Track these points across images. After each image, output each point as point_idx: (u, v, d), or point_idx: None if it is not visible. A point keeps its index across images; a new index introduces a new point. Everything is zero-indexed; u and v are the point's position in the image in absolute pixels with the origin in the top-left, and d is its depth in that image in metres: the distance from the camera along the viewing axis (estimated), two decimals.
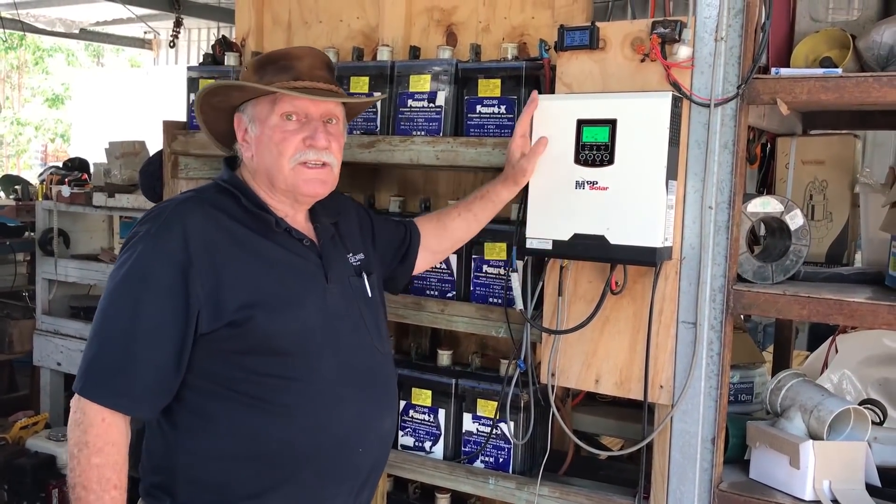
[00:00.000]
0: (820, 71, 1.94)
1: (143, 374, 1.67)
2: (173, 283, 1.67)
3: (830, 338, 3.34)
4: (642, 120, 1.84)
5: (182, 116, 2.81)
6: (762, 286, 2.00)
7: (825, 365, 3.34)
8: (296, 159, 1.80)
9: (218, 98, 1.87)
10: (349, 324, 1.87)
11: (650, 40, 1.88)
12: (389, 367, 1.99)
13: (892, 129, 2.86)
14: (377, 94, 2.31)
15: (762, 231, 2.24)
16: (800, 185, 2.47)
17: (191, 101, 2.73)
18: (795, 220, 2.09)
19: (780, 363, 2.84)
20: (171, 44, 8.55)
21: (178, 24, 8.45)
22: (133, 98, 11.45)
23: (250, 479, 1.74)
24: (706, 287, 1.91)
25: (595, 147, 1.89)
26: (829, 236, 2.44)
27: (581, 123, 1.91)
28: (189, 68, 2.75)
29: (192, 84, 2.72)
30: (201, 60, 2.85)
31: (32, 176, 9.44)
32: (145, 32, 11.20)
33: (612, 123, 1.87)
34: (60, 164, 6.12)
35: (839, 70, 1.93)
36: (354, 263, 1.97)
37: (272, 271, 1.78)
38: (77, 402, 1.67)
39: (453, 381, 2.31)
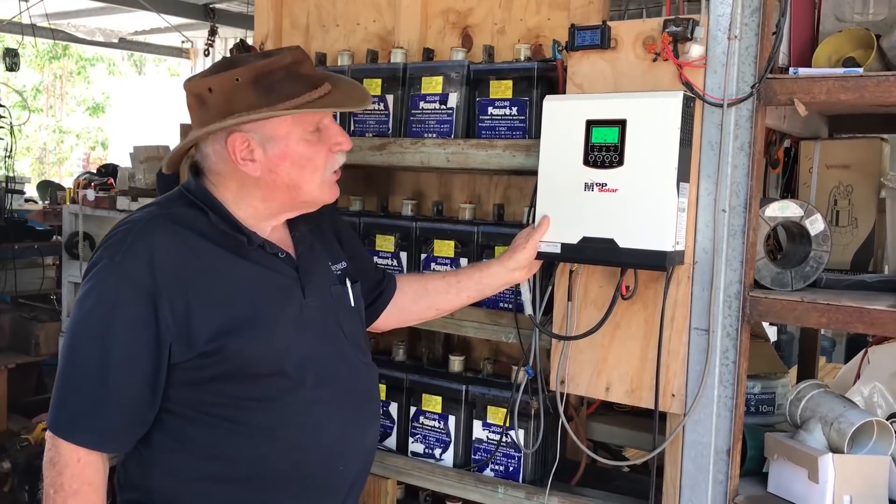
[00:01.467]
0: (839, 71, 1.88)
1: (117, 410, 1.61)
2: (142, 313, 1.59)
3: (864, 349, 3.23)
4: (652, 120, 1.79)
5: None
6: (780, 293, 1.93)
7: (857, 377, 3.23)
8: (329, 169, 1.75)
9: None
10: (328, 338, 1.79)
11: (661, 39, 1.83)
12: (372, 379, 1.92)
13: None
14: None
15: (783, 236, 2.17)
16: (824, 190, 2.40)
17: None
18: (816, 225, 2.02)
19: (805, 374, 2.75)
20: (207, 52, 8.65)
21: (212, 32, 8.56)
22: (170, 106, 11.61)
23: (229, 502, 1.71)
24: (719, 293, 1.85)
25: (604, 148, 1.85)
26: (855, 243, 2.36)
27: (590, 124, 1.87)
28: None
29: None
30: None
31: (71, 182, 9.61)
32: (182, 42, 11.35)
33: (621, 124, 1.83)
34: (95, 171, 6.22)
35: (860, 70, 1.87)
36: (336, 272, 1.89)
37: (244, 293, 1.69)
38: (51, 439, 1.62)
39: (464, 387, 2.27)
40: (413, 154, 2.25)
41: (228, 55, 2.88)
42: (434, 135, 2.26)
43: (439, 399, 2.30)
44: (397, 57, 2.44)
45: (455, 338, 2.56)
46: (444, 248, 2.31)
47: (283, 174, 1.73)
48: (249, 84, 1.63)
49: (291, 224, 1.86)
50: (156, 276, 1.60)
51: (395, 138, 2.30)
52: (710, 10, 1.83)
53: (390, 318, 2.10)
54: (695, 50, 1.81)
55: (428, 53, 2.45)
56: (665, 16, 1.94)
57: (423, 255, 2.35)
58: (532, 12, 2.48)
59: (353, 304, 1.90)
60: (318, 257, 1.89)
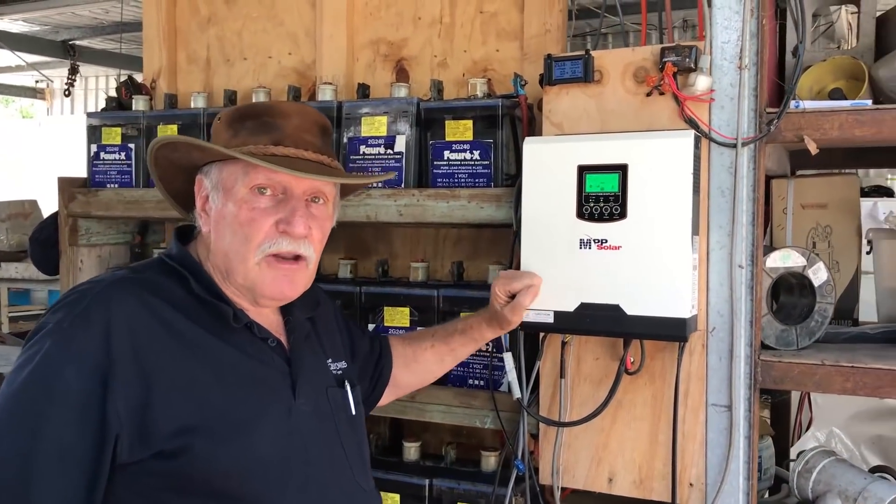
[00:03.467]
0: (847, 103, 1.68)
1: None
2: (87, 396, 1.26)
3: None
4: (660, 164, 1.53)
5: (82, 172, 2.36)
6: (791, 354, 1.70)
7: (799, 420, 3.06)
8: (264, 249, 1.39)
9: (177, 154, 1.47)
10: (323, 453, 1.43)
11: (662, 69, 1.57)
12: None
13: (888, 168, 2.68)
14: (384, 174, 1.92)
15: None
16: (801, 231, 2.21)
17: (92, 154, 2.30)
18: (819, 274, 1.81)
19: (780, 432, 2.54)
20: (67, 92, 7.97)
21: (73, 71, 7.91)
22: (24, 152, 10.66)
23: None
24: (740, 362, 1.59)
25: (602, 198, 1.56)
26: (838, 288, 2.17)
27: (583, 170, 1.58)
28: (89, 115, 2.33)
29: (93, 133, 2.30)
30: (104, 105, 2.42)
31: None
32: (37, 81, 10.51)
33: (622, 169, 1.55)
34: None
35: (868, 102, 1.68)
36: (336, 371, 1.55)
37: (222, 383, 1.35)
38: None
39: (426, 481, 1.92)
40: (356, 207, 1.90)
41: (113, 94, 2.47)
42: (380, 184, 1.92)
43: (397, 498, 1.93)
44: (326, 94, 2.09)
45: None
46: (398, 316, 1.96)
47: (219, 237, 1.43)
48: (225, 123, 1.47)
49: (285, 308, 1.52)
50: (111, 348, 1.29)
51: None
52: (714, 36, 1.59)
53: (385, 399, 1.77)
54: (701, 82, 1.56)
55: (363, 90, 2.12)
56: (642, 44, 1.70)
57: (371, 326, 1.99)
58: (477, 43, 2.19)
59: (353, 412, 1.53)
60: (315, 351, 1.54)
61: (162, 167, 1.51)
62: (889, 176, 6.10)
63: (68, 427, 1.26)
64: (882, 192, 5.99)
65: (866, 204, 5.09)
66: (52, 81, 10.32)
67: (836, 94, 1.81)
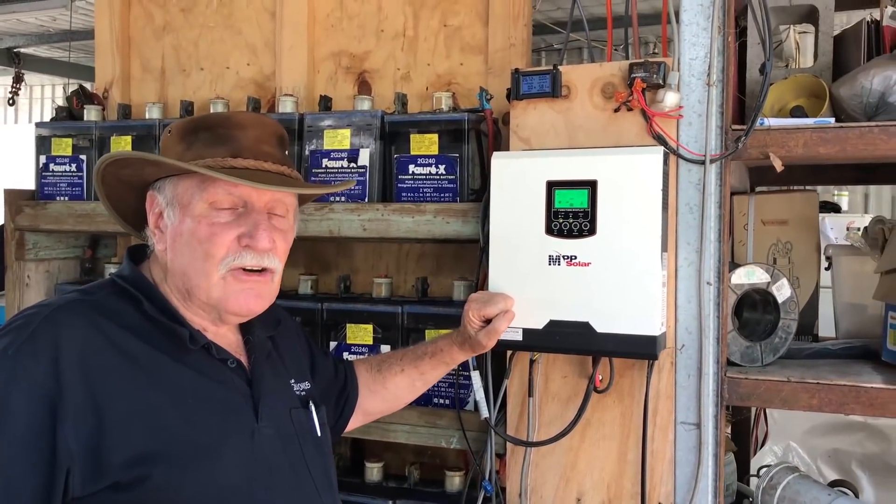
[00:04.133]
0: (811, 121, 1.70)
1: None
2: (35, 426, 1.19)
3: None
4: (630, 180, 1.52)
5: (29, 184, 2.27)
6: (756, 371, 1.70)
7: (755, 435, 3.09)
8: (227, 264, 1.33)
9: (127, 171, 1.39)
10: (288, 477, 1.37)
11: (631, 85, 1.56)
12: None
13: (846, 184, 2.72)
14: (343, 182, 1.87)
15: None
16: (762, 247, 2.22)
17: (41, 165, 2.22)
18: (783, 291, 1.82)
19: (741, 446, 2.55)
20: (11, 101, 7.72)
21: (17, 79, 7.67)
22: None
23: None
24: (709, 379, 1.59)
25: (571, 214, 1.55)
26: (799, 304, 2.19)
27: (552, 186, 1.56)
28: (38, 125, 2.24)
29: (43, 143, 2.22)
30: (53, 115, 2.34)
31: None
32: None
33: (591, 185, 1.54)
34: None
35: (831, 120, 1.70)
36: (299, 392, 1.49)
37: (180, 407, 1.28)
38: None
39: (389, 502, 1.88)
40: (319, 222, 1.86)
41: (62, 103, 2.39)
42: (343, 198, 1.88)
43: None
44: (287, 106, 2.04)
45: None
46: (360, 333, 1.92)
47: (176, 255, 1.36)
48: (177, 136, 1.40)
49: (245, 327, 1.45)
50: (60, 376, 1.21)
51: None
52: (682, 52, 1.59)
53: (351, 423, 1.71)
54: (670, 98, 1.56)
55: (325, 102, 2.08)
56: (607, 60, 1.69)
57: (333, 343, 1.94)
58: (441, 56, 2.17)
59: (319, 434, 1.47)
60: (277, 371, 1.47)
61: (109, 185, 1.43)
62: (836, 192, 6.24)
63: (16, 461, 1.18)
64: (829, 207, 6.12)
65: None
66: None
67: (797, 112, 1.83)
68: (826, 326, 2.20)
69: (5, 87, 8.20)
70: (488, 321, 1.56)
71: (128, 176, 1.40)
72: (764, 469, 1.96)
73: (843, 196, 6.28)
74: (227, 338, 1.43)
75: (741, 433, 2.57)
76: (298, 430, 1.43)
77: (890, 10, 1.87)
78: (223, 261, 1.33)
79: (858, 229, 2.08)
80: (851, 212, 6.36)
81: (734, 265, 1.81)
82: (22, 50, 7.84)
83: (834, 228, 5.44)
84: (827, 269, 2.19)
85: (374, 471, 1.97)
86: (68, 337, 1.24)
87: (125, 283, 1.38)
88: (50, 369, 1.21)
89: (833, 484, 2.26)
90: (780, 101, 1.92)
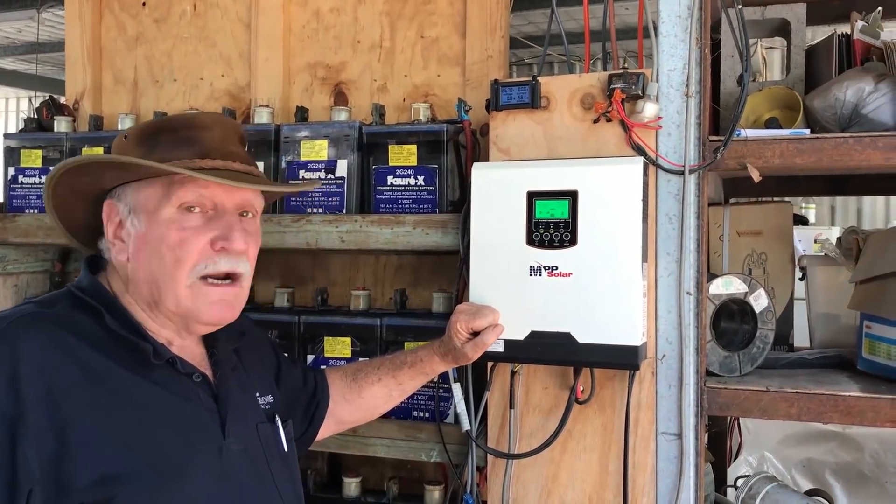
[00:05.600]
0: (787, 132, 1.72)
1: None
2: None
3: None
4: (610, 191, 1.52)
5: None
6: (735, 381, 1.71)
7: (729, 446, 3.10)
8: (198, 271, 1.29)
9: (86, 178, 1.34)
10: (257, 494, 1.34)
11: (611, 96, 1.57)
12: None
13: (818, 195, 2.76)
14: (310, 181, 1.84)
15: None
16: (737, 258, 2.24)
17: (9, 177, 2.17)
18: (760, 301, 1.83)
19: (717, 457, 2.56)
20: None
21: None
22: None
23: None
24: (689, 389, 1.59)
25: (552, 225, 1.54)
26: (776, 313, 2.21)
27: (533, 196, 1.56)
28: (7, 136, 2.20)
29: (12, 155, 2.17)
30: (22, 126, 2.29)
31: None
32: None
33: (572, 196, 1.54)
34: None
35: (806, 131, 1.72)
36: (264, 406, 1.46)
37: (145, 425, 1.24)
38: None
39: None
40: (296, 234, 1.84)
41: (24, 115, 2.34)
42: (321, 209, 1.86)
43: None
44: (263, 117, 2.02)
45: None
46: (338, 346, 1.89)
47: (141, 264, 1.31)
48: (135, 141, 1.34)
49: (209, 339, 1.41)
50: (18, 395, 1.16)
51: (272, 214, 1.86)
52: (660, 63, 1.60)
53: (324, 432, 1.67)
54: (649, 109, 1.57)
55: (302, 113, 2.06)
56: (585, 72, 1.70)
57: (311, 357, 1.92)
58: (418, 68, 2.16)
59: (285, 449, 1.43)
60: (243, 385, 1.43)
61: (59, 196, 1.37)
62: (803, 205, 6.34)
63: None
64: (797, 220, 6.21)
65: None
66: None
67: (772, 124, 1.85)
68: (801, 336, 2.22)
69: None
70: (475, 333, 1.54)
71: (84, 185, 1.35)
72: (742, 479, 1.96)
73: (811, 208, 6.38)
74: (192, 350, 1.38)
75: (717, 444, 2.58)
76: (265, 445, 1.39)
77: (860, 24, 1.90)
78: (194, 268, 1.29)
79: (826, 240, 2.11)
80: (819, 224, 6.45)
81: (711, 276, 1.82)
82: None
83: (802, 241, 5.52)
84: (801, 279, 2.21)
85: (352, 486, 1.95)
86: (27, 353, 1.18)
87: (84, 295, 1.32)
88: (8, 388, 1.15)
89: (809, 493, 2.28)
90: (755, 112, 1.94)
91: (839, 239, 2.12)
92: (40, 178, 2.15)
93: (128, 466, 1.19)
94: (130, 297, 1.33)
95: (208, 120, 1.38)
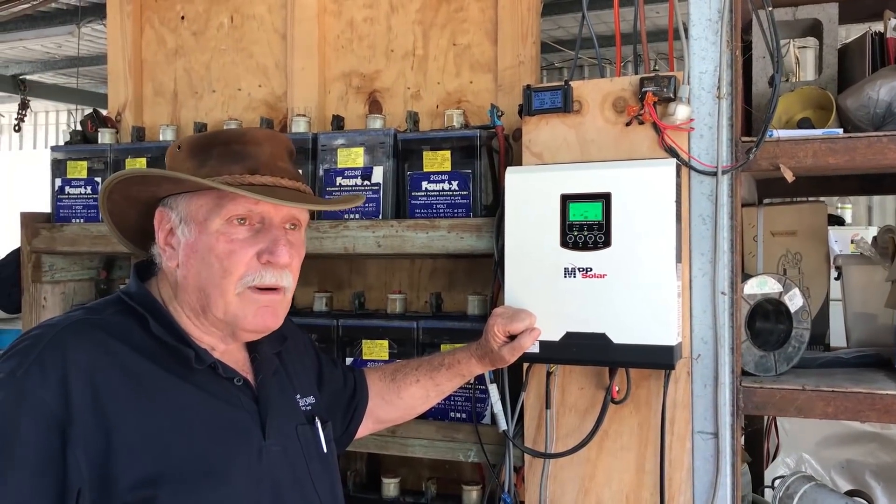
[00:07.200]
0: (819, 132, 1.72)
1: None
2: (46, 450, 1.18)
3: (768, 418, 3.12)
4: (644, 193, 1.54)
5: (35, 207, 2.30)
6: (770, 380, 1.71)
7: (766, 447, 3.09)
8: (246, 282, 1.33)
9: (141, 187, 1.39)
10: (295, 496, 1.37)
11: (643, 99, 1.59)
12: None
13: (852, 195, 2.75)
14: (354, 195, 1.88)
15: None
16: (771, 258, 2.24)
17: (56, 188, 2.24)
18: (795, 300, 1.83)
19: (754, 458, 2.55)
20: (17, 128, 7.77)
21: (23, 106, 7.72)
22: None
23: None
24: (725, 389, 1.60)
25: (586, 227, 1.57)
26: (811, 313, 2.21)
27: (566, 199, 1.58)
28: (54, 148, 2.27)
29: (58, 167, 2.25)
30: (67, 139, 2.37)
31: None
32: None
33: (605, 198, 1.56)
34: None
35: (839, 131, 1.72)
36: (305, 408, 1.49)
37: (187, 428, 1.28)
38: None
39: None
40: (333, 239, 1.88)
41: (76, 128, 2.42)
42: (358, 215, 1.90)
43: None
44: (300, 126, 2.07)
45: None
46: (376, 348, 1.93)
47: (190, 271, 1.35)
48: (187, 153, 1.38)
49: (252, 344, 1.45)
50: (69, 400, 1.20)
51: (310, 221, 1.90)
52: (692, 66, 1.62)
53: (362, 432, 1.70)
54: (681, 111, 1.58)
55: (338, 121, 2.10)
56: (616, 75, 1.72)
57: (349, 359, 1.96)
58: (451, 75, 2.20)
59: (325, 450, 1.47)
60: (284, 387, 1.47)
61: (113, 201, 1.42)
62: (839, 205, 6.27)
63: (26, 485, 1.17)
64: (833, 220, 6.14)
65: None
66: (1, 116, 10.09)
67: (805, 124, 1.85)
68: (837, 336, 2.21)
69: (10, 114, 8.25)
70: (512, 337, 1.57)
71: (137, 193, 1.40)
72: (779, 479, 1.96)
73: (847, 209, 6.30)
74: (235, 355, 1.42)
75: (753, 445, 2.58)
76: (305, 447, 1.42)
77: (893, 22, 1.90)
78: (241, 279, 1.33)
79: (862, 239, 2.10)
80: (855, 224, 6.37)
81: (746, 276, 1.83)
82: (27, 77, 7.90)
83: (838, 241, 5.46)
84: (836, 279, 2.21)
85: (390, 486, 1.98)
86: (76, 358, 1.23)
87: (132, 301, 1.36)
88: (59, 392, 1.20)
89: (848, 494, 2.26)
90: (787, 113, 1.94)
91: (875, 238, 2.12)
92: (86, 188, 2.21)
93: (169, 468, 1.23)
94: (178, 304, 1.37)
95: (259, 135, 1.41)
